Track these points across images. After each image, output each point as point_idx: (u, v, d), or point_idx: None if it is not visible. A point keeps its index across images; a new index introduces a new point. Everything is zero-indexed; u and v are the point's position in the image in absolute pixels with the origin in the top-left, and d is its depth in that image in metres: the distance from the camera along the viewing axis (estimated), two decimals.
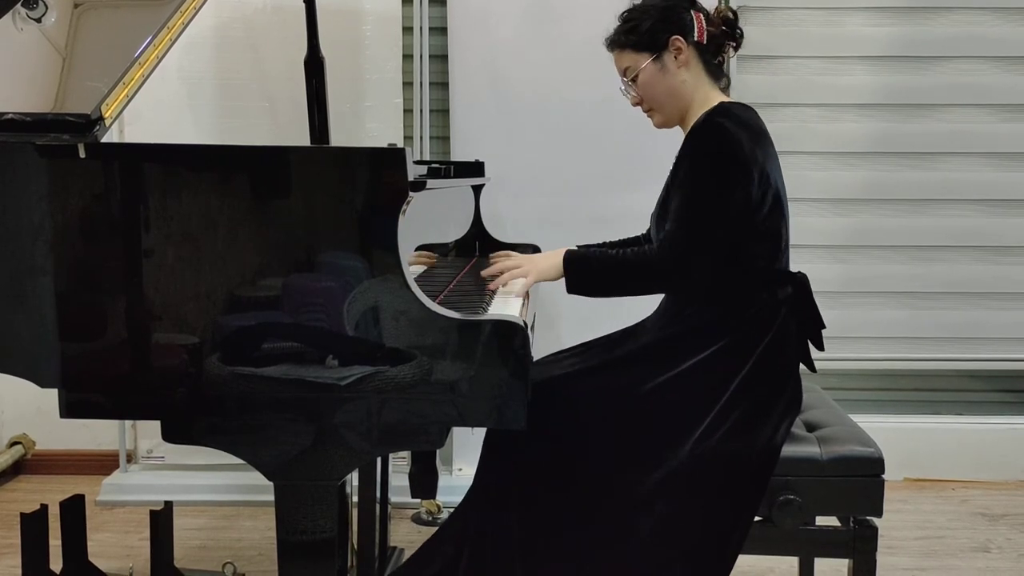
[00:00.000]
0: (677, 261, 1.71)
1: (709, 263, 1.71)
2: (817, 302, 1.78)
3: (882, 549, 1.72)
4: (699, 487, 1.64)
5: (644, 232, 2.11)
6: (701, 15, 1.82)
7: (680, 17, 1.80)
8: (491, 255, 2.11)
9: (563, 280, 1.78)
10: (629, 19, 1.83)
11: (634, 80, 1.83)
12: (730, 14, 1.86)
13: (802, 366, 1.78)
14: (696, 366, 1.71)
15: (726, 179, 1.68)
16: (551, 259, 1.80)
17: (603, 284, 1.78)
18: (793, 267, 1.80)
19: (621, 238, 2.14)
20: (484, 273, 1.88)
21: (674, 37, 1.79)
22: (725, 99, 1.83)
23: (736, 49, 1.88)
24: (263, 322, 1.45)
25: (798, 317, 1.76)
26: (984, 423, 3.26)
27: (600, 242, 2.13)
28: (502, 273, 1.84)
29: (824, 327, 1.78)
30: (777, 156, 1.77)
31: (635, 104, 1.87)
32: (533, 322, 2.04)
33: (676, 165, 1.81)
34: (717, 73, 1.85)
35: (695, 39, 1.80)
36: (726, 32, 1.84)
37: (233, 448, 1.48)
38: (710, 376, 1.70)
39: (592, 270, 1.77)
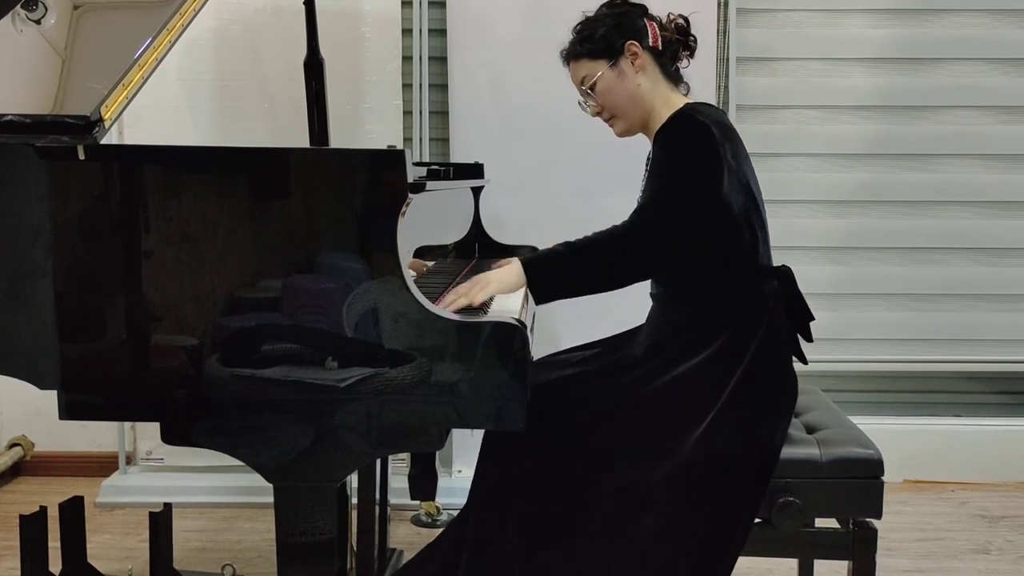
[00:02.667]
0: (638, 235, 1.70)
1: (671, 244, 1.71)
2: (815, 304, 1.79)
3: (881, 551, 1.72)
4: (699, 489, 1.64)
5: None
6: (654, 22, 1.85)
7: (634, 23, 1.83)
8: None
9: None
10: (583, 29, 1.85)
11: (592, 88, 1.83)
12: (682, 21, 1.88)
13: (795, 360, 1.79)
14: (693, 369, 1.71)
15: (699, 165, 1.69)
16: (509, 269, 1.71)
17: (565, 277, 1.72)
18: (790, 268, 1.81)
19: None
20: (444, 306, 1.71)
21: (629, 42, 1.80)
22: (690, 100, 1.84)
23: (691, 56, 1.90)
24: (263, 324, 1.45)
25: (786, 310, 1.76)
26: (983, 424, 3.27)
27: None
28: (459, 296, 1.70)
29: (812, 319, 1.78)
30: (747, 152, 1.78)
31: (595, 114, 1.88)
32: (532, 323, 2.04)
33: (650, 162, 1.81)
34: (676, 78, 1.87)
35: (650, 44, 1.82)
36: (679, 39, 1.86)
37: (232, 450, 1.48)
38: (708, 378, 1.70)
39: (550, 265, 1.72)
